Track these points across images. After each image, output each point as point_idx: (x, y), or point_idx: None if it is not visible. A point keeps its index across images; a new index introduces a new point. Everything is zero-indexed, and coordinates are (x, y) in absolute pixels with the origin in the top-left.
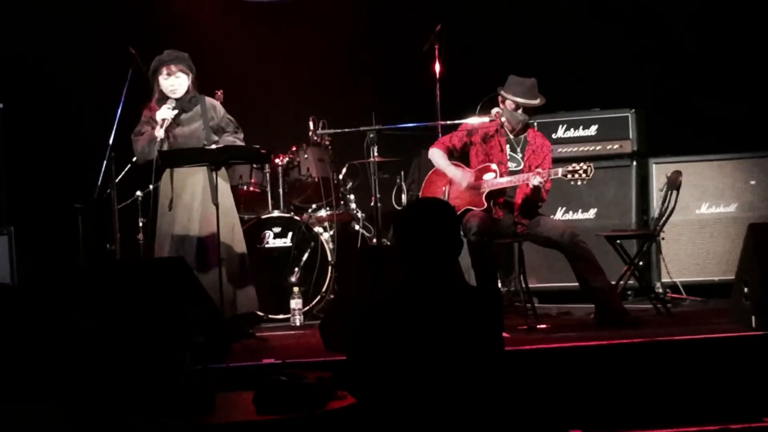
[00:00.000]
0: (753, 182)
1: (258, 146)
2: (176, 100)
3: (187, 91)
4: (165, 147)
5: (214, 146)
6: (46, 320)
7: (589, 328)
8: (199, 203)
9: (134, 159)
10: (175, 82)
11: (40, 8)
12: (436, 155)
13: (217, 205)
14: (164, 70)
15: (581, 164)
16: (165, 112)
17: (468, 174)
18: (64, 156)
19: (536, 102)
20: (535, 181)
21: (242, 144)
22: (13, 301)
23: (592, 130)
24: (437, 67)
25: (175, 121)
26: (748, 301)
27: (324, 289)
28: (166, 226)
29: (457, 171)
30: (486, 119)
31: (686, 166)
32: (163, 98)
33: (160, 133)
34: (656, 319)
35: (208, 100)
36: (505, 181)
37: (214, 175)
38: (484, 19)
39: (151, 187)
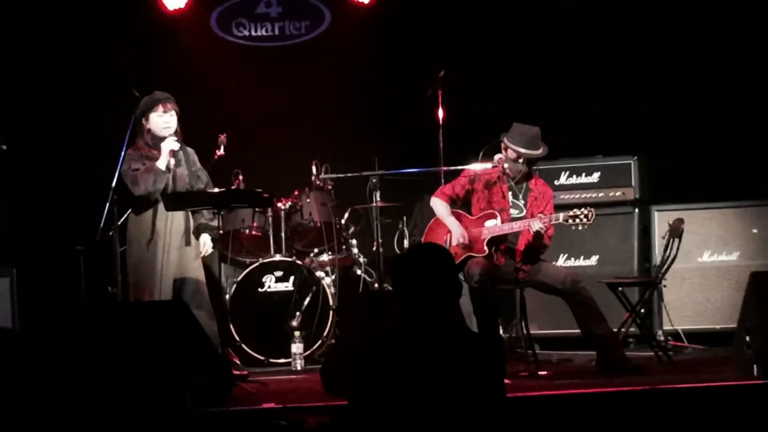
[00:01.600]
0: (755, 230)
1: (260, 190)
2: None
3: (176, 132)
4: (164, 181)
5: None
6: (47, 363)
7: (591, 376)
8: (178, 244)
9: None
10: (170, 120)
11: (44, 51)
12: (438, 205)
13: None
14: (160, 108)
15: (582, 209)
16: (172, 144)
17: (463, 229)
18: (67, 198)
19: (538, 152)
20: (536, 225)
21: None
22: (12, 346)
23: (595, 177)
24: (440, 113)
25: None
26: (750, 350)
27: (325, 334)
28: (147, 266)
29: (455, 226)
30: (488, 165)
31: (688, 214)
32: (153, 137)
33: (164, 164)
34: (658, 367)
35: (190, 150)
36: (507, 228)
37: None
38: (487, 65)
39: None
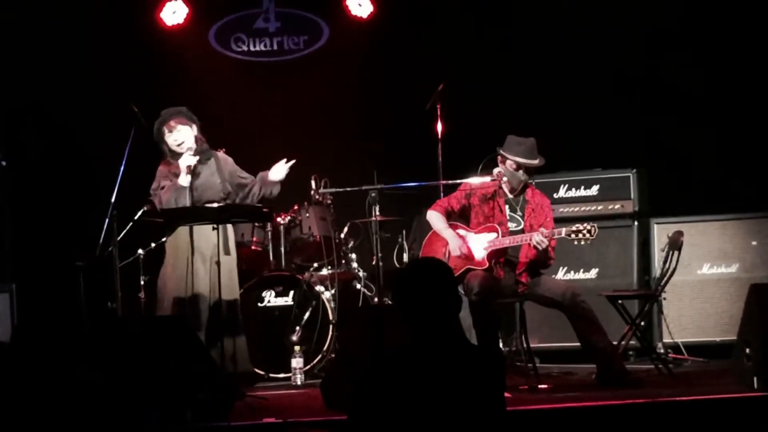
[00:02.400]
0: (754, 243)
1: (260, 205)
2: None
3: (197, 141)
4: (189, 197)
5: (227, 200)
6: (46, 378)
7: (591, 389)
8: (213, 262)
9: (140, 213)
10: (179, 136)
11: (44, 66)
12: (434, 218)
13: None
14: (165, 129)
15: (585, 224)
16: (188, 159)
17: (460, 241)
18: (67, 214)
19: (536, 162)
20: (537, 238)
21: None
22: (10, 360)
23: (594, 190)
24: (439, 127)
25: (193, 172)
26: (750, 362)
27: (325, 348)
28: (183, 281)
29: (453, 238)
30: (487, 179)
31: (688, 227)
32: (174, 154)
33: (185, 180)
34: (658, 380)
35: (221, 155)
36: (507, 241)
37: (228, 232)
38: (486, 79)
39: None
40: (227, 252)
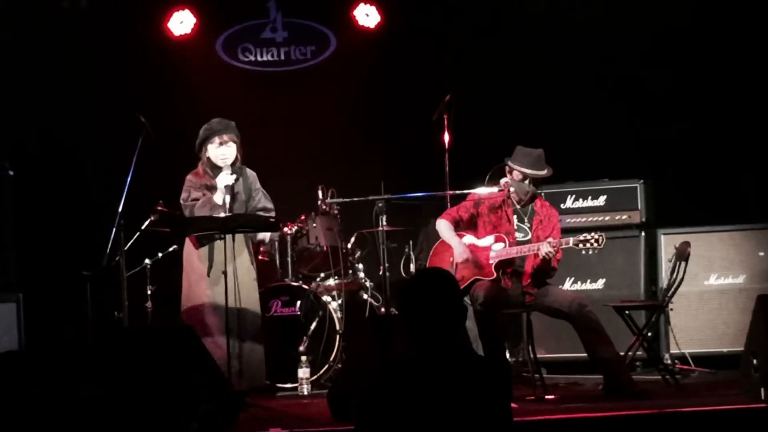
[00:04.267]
0: (761, 253)
1: (267, 215)
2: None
3: (235, 161)
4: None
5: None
6: (53, 387)
7: (598, 400)
8: (240, 274)
9: (147, 223)
10: (227, 152)
11: (49, 77)
12: (443, 226)
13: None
14: (216, 140)
15: (592, 234)
16: (227, 179)
17: (468, 249)
18: (73, 223)
19: (544, 173)
20: (545, 249)
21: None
22: (19, 368)
23: (601, 201)
24: (446, 137)
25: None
26: (757, 373)
27: (332, 359)
28: (200, 290)
29: (457, 244)
30: (494, 189)
31: (695, 237)
32: (213, 167)
33: (221, 198)
34: (665, 391)
35: (250, 172)
36: (515, 251)
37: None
38: (493, 89)
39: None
40: (241, 263)
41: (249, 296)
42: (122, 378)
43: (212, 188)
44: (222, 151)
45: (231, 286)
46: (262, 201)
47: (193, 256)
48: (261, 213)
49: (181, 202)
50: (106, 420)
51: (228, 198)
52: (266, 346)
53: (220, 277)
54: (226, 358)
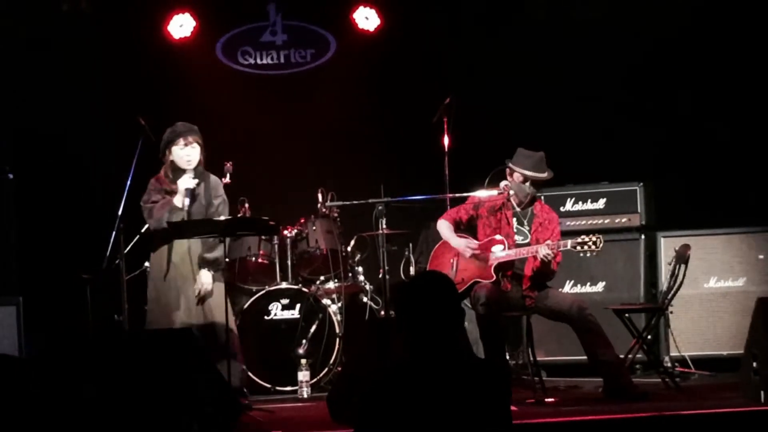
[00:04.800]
0: (761, 256)
1: (267, 218)
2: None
3: (199, 163)
4: (180, 218)
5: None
6: (53, 391)
7: (598, 402)
8: (194, 275)
9: (146, 226)
10: (191, 153)
11: (50, 79)
12: (444, 227)
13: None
14: (181, 141)
15: (590, 236)
16: (188, 182)
17: (472, 243)
18: (73, 226)
19: (544, 175)
20: (543, 251)
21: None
22: (19, 373)
23: (601, 204)
24: (446, 140)
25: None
26: (757, 376)
27: (332, 361)
28: (164, 299)
29: (461, 241)
30: (494, 192)
31: (695, 240)
32: (176, 169)
33: (181, 201)
34: (664, 393)
35: (213, 178)
36: (513, 254)
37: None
38: (492, 92)
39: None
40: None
41: (216, 301)
42: (123, 380)
43: (172, 192)
44: (187, 152)
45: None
46: (221, 209)
47: (157, 261)
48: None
49: (141, 204)
50: (107, 421)
51: (187, 201)
52: (264, 348)
53: (184, 283)
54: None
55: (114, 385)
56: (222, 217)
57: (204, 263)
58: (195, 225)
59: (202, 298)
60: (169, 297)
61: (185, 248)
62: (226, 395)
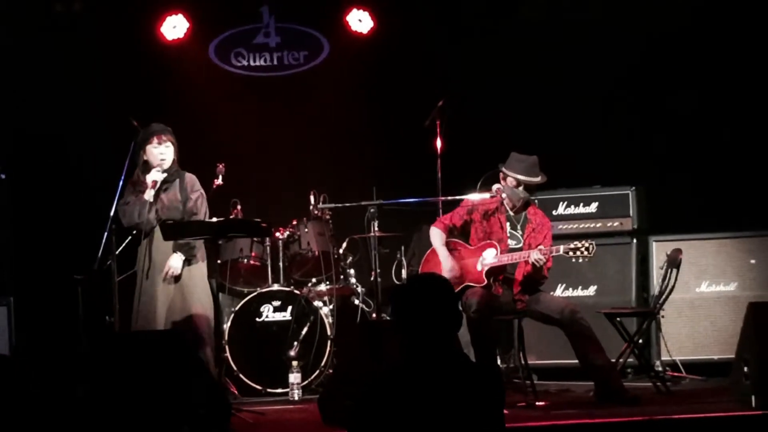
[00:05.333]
0: (753, 261)
1: (258, 219)
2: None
3: (173, 163)
4: (153, 212)
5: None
6: (44, 391)
7: (589, 406)
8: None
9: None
10: (165, 151)
11: (44, 80)
12: (435, 235)
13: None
14: (155, 140)
15: (583, 242)
16: (155, 175)
17: (454, 262)
18: (65, 227)
19: (537, 179)
20: (534, 256)
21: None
22: (9, 372)
23: (593, 207)
24: (439, 143)
25: (160, 189)
26: (748, 381)
27: (323, 364)
28: (146, 297)
29: (446, 260)
30: (487, 195)
31: (686, 244)
32: (148, 169)
33: (149, 195)
34: (656, 398)
35: (188, 175)
36: (505, 259)
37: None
38: (485, 95)
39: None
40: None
41: (198, 300)
42: (113, 381)
43: (144, 191)
44: (161, 150)
45: (172, 289)
46: (199, 203)
47: (140, 258)
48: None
49: (117, 207)
50: (98, 423)
51: (152, 194)
52: (255, 349)
53: (164, 281)
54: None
55: (105, 386)
56: (202, 211)
57: (176, 247)
58: (187, 226)
59: (176, 279)
60: (150, 293)
61: (164, 245)
62: (218, 397)
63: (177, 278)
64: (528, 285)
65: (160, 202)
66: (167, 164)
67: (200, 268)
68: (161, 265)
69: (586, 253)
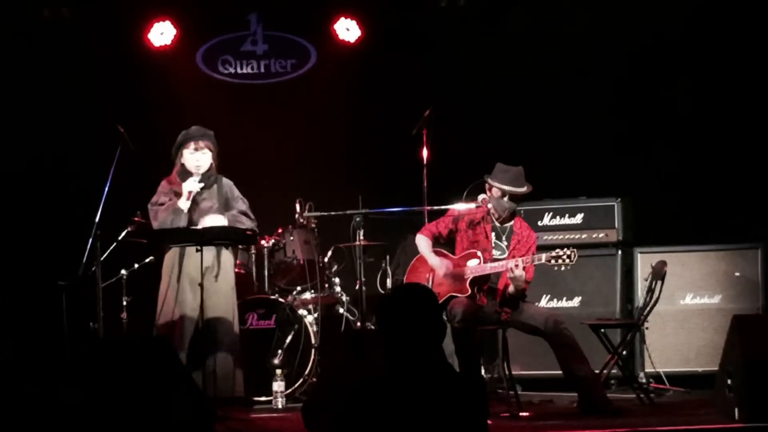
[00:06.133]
0: (737, 274)
1: (244, 227)
2: (200, 174)
3: (210, 168)
4: (186, 220)
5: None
6: (27, 396)
7: (572, 417)
8: (206, 280)
9: (123, 233)
10: (201, 158)
11: (28, 86)
12: (422, 242)
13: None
14: (192, 145)
15: (565, 250)
16: (192, 185)
17: (447, 262)
18: (50, 232)
19: (523, 190)
20: (517, 273)
21: (248, 225)
22: None
23: (578, 219)
24: (425, 152)
25: (195, 196)
26: (732, 393)
27: (307, 372)
28: (171, 301)
29: (437, 260)
30: (472, 205)
31: (671, 256)
32: (185, 172)
33: (185, 204)
34: (639, 409)
35: (225, 180)
36: (488, 268)
37: (223, 254)
38: (472, 105)
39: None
40: (217, 275)
41: (223, 306)
42: (97, 387)
43: (180, 194)
44: (197, 157)
45: (205, 296)
46: (239, 204)
47: (168, 263)
48: (240, 216)
49: (149, 205)
50: (80, 429)
51: (188, 204)
52: (244, 358)
53: (192, 287)
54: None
55: (88, 392)
56: (247, 219)
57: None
58: (172, 233)
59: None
60: (177, 299)
61: (195, 253)
62: (200, 404)
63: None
64: (510, 302)
65: (196, 209)
66: (203, 170)
67: (227, 278)
68: (190, 273)
69: (567, 261)
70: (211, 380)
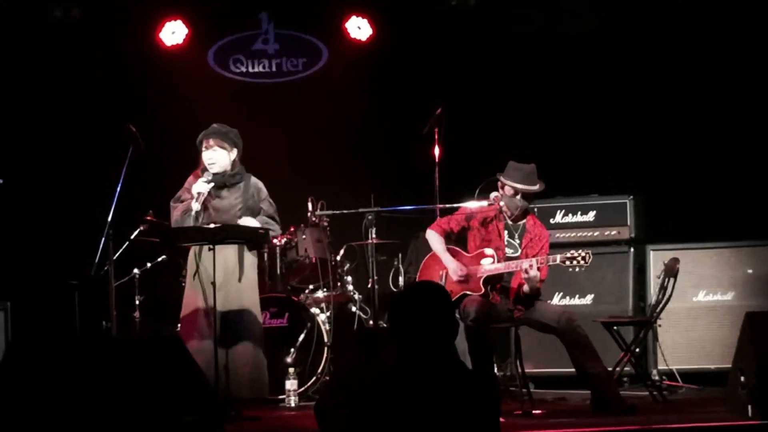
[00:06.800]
0: (750, 271)
1: (256, 226)
2: (215, 174)
3: (232, 166)
4: (202, 219)
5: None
6: (38, 396)
7: (585, 415)
8: (226, 279)
9: (136, 233)
10: (213, 156)
11: (40, 86)
12: (433, 238)
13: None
14: (204, 143)
15: (579, 251)
16: (200, 186)
17: (460, 264)
18: (63, 232)
19: (535, 188)
20: (532, 273)
21: (274, 230)
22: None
23: (590, 216)
24: (436, 150)
25: (215, 195)
26: (745, 390)
27: (320, 371)
28: (192, 300)
29: (451, 262)
30: (484, 203)
31: (684, 254)
32: (204, 169)
33: (195, 206)
34: (652, 407)
35: (254, 180)
36: (502, 267)
37: (244, 253)
38: (484, 103)
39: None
40: (240, 277)
41: (247, 308)
42: (107, 387)
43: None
44: (209, 155)
45: (224, 294)
46: (266, 206)
47: (190, 263)
48: (270, 221)
49: (172, 200)
50: (90, 428)
51: (198, 206)
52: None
53: (209, 286)
54: (215, 367)
55: (98, 391)
56: (274, 223)
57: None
58: (186, 232)
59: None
60: (197, 297)
61: (217, 252)
62: (211, 404)
63: (225, 283)
64: (525, 300)
65: (212, 209)
66: (216, 169)
67: (250, 279)
68: (207, 272)
69: (582, 262)
70: (235, 381)
